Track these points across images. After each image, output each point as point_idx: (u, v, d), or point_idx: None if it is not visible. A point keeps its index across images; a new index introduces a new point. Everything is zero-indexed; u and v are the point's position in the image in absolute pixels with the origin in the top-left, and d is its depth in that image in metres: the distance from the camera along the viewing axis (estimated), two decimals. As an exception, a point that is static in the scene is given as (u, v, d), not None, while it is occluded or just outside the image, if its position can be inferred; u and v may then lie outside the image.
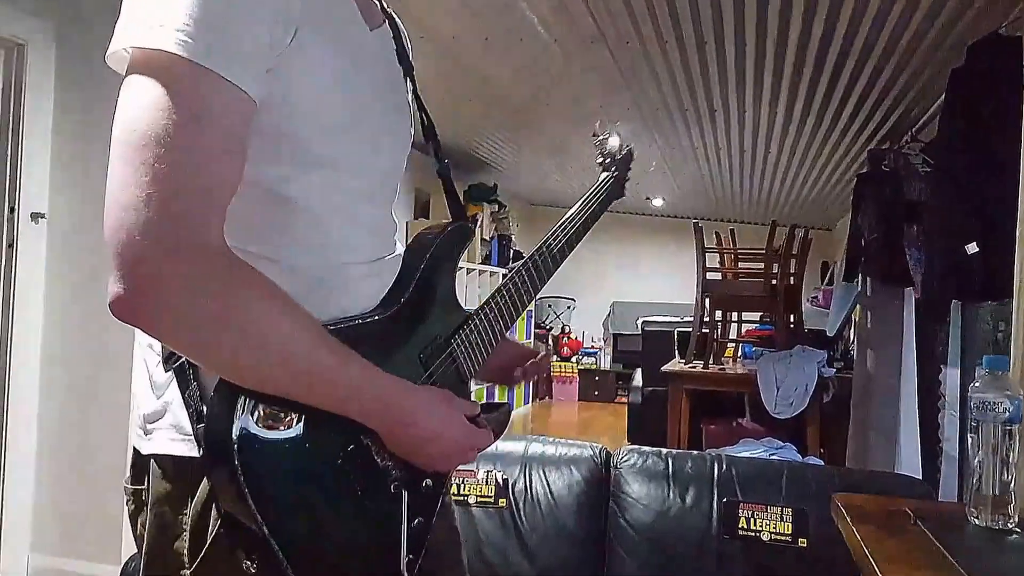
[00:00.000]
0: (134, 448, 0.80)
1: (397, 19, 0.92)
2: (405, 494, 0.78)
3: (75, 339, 2.79)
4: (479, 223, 6.46)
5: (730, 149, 4.89)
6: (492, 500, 2.05)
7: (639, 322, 5.94)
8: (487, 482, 2.07)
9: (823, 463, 3.16)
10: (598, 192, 1.15)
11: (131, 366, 2.71)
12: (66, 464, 2.78)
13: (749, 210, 7.36)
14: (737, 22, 2.72)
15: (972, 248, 1.67)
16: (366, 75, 0.80)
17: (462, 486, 2.05)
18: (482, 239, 6.59)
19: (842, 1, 2.42)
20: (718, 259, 4.40)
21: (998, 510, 1.10)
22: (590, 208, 1.11)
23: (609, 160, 1.22)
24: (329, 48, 0.74)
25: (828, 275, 6.14)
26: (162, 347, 0.76)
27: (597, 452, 2.12)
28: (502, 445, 2.09)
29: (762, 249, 4.03)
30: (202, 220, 0.63)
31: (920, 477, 2.94)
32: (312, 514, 0.71)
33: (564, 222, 1.06)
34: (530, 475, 2.08)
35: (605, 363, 8.99)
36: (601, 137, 1.22)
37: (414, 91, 0.92)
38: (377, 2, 0.87)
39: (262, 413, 0.68)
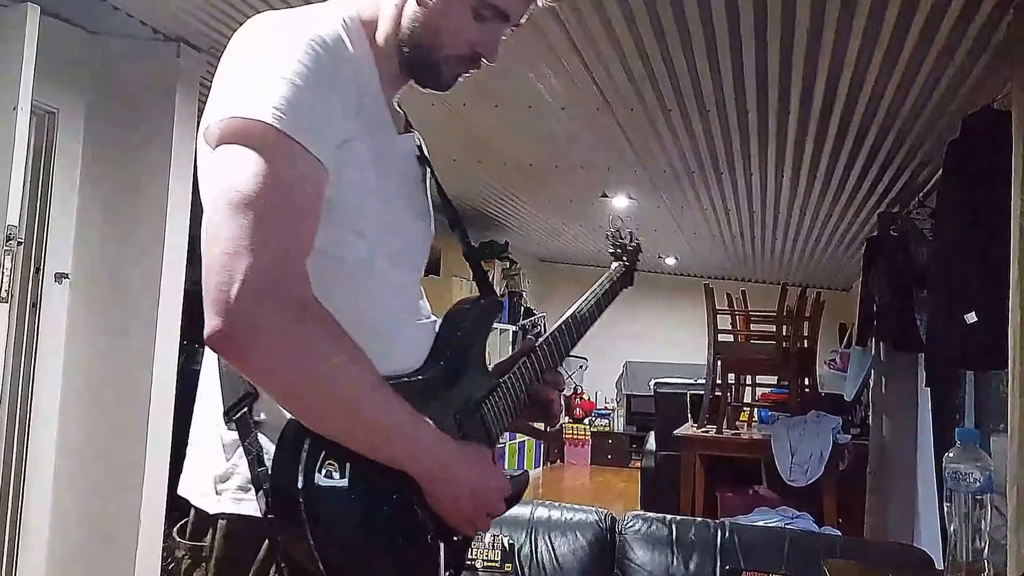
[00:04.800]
0: (195, 508, 0.87)
1: (416, 132, 1.05)
2: (441, 545, 0.86)
3: (94, 399, 2.81)
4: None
5: (739, 210, 4.93)
6: (498, 565, 2.04)
7: (652, 383, 5.85)
8: (493, 546, 2.06)
9: (840, 534, 3.08)
10: (608, 280, 1.26)
11: (146, 431, 2.74)
12: (82, 525, 2.78)
13: (763, 269, 7.37)
14: (737, 92, 2.80)
15: (971, 318, 1.68)
16: (394, 170, 0.94)
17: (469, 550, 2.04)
18: (492, 296, 6.58)
19: (839, 77, 2.49)
20: (730, 321, 4.38)
21: (971, 578, 1.09)
22: (600, 295, 1.21)
23: (620, 251, 1.34)
24: (369, 143, 0.87)
25: (846, 337, 6.09)
26: (224, 400, 0.84)
27: (602, 518, 2.11)
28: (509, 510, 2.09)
29: (774, 311, 4.01)
30: (296, 271, 0.76)
31: (942, 548, 2.86)
32: (365, 560, 0.80)
33: (575, 308, 1.16)
34: (536, 540, 2.07)
35: (619, 425, 8.82)
36: (613, 231, 1.34)
37: (437, 187, 1.05)
38: (403, 113, 1.03)
39: (322, 462, 0.76)
